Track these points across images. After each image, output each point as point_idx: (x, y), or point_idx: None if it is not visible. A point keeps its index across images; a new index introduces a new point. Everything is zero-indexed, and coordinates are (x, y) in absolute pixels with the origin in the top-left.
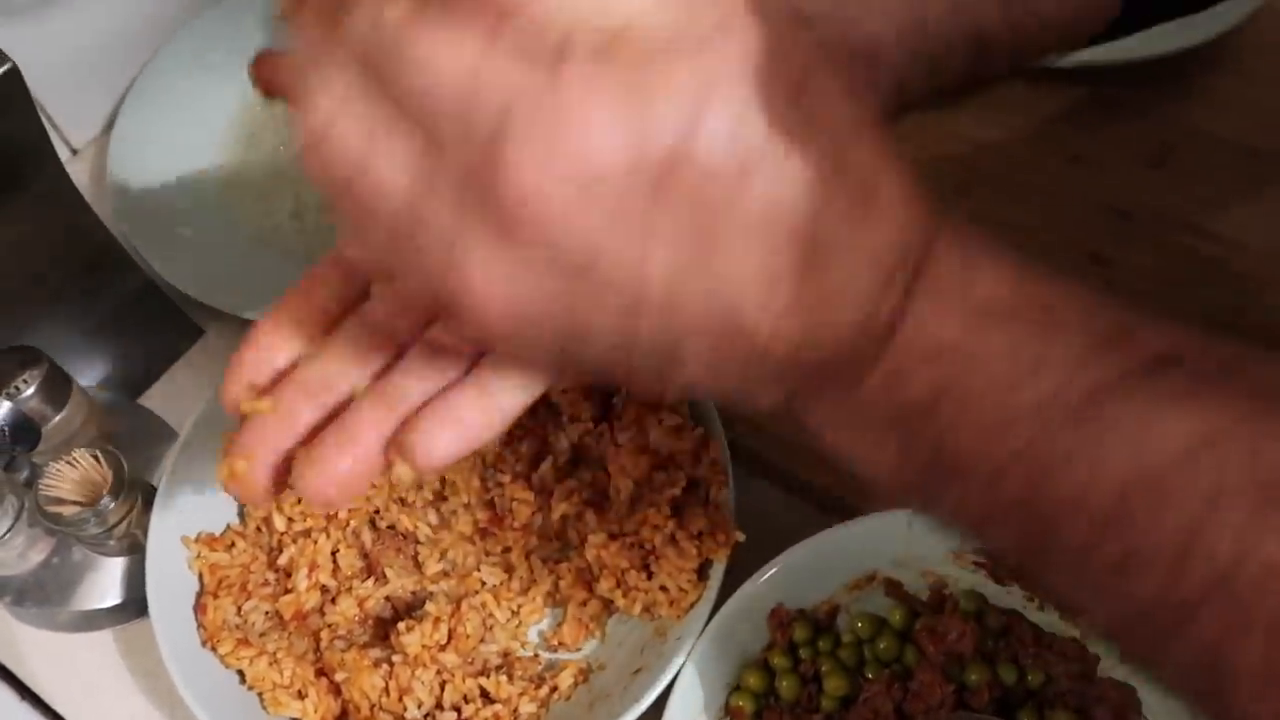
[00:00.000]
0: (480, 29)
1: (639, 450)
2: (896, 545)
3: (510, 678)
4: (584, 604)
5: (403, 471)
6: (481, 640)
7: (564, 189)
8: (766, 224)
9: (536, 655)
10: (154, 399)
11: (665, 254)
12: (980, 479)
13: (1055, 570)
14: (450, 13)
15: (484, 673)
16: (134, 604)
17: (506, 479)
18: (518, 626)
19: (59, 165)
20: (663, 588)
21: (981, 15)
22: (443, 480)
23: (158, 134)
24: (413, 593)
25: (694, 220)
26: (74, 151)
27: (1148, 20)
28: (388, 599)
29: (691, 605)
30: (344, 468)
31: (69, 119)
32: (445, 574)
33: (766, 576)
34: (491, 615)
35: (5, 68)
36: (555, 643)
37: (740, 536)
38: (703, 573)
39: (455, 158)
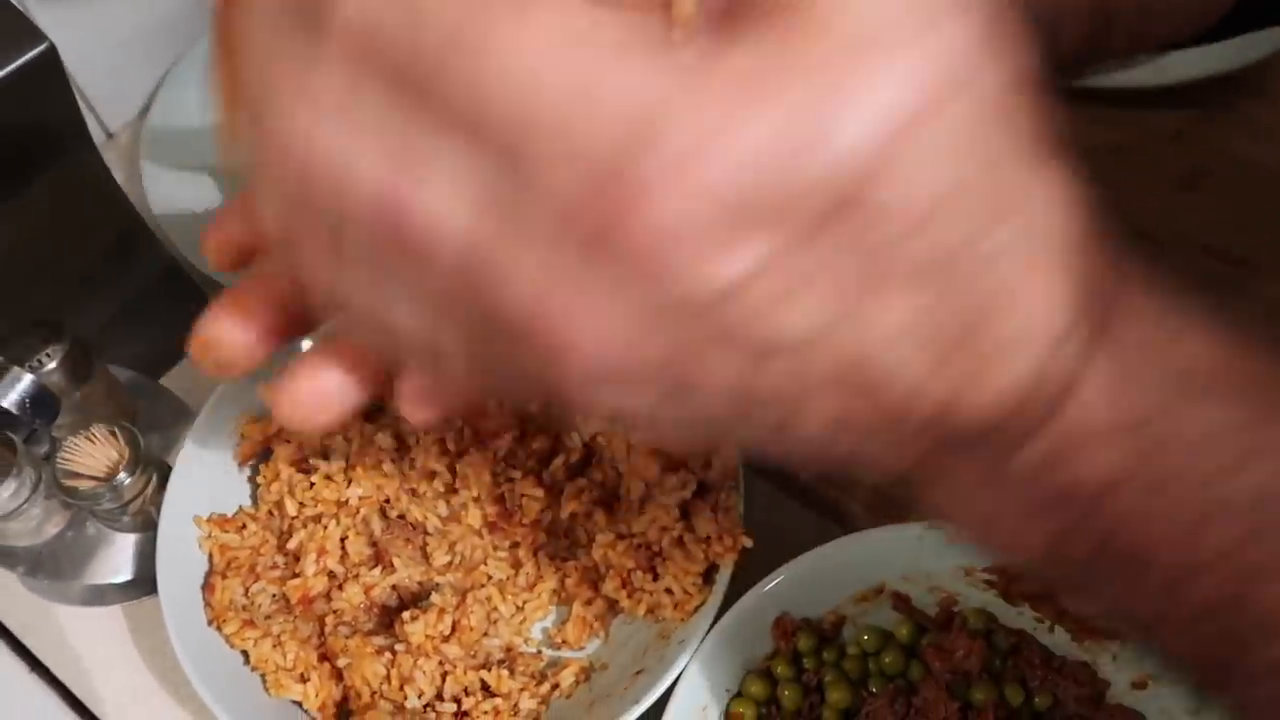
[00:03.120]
0: (588, 17)
1: (651, 451)
2: (906, 559)
3: (512, 672)
4: (589, 603)
5: None
6: (485, 634)
7: (714, 221)
8: (935, 271)
9: (540, 652)
10: (175, 379)
11: (813, 299)
12: (1163, 578)
13: (1241, 686)
14: None
15: (486, 666)
16: (144, 581)
17: (518, 475)
18: (522, 622)
19: (92, 146)
20: (668, 590)
21: None
22: (454, 473)
23: (191, 121)
24: (419, 583)
25: (856, 262)
26: (110, 135)
27: (1257, 21)
28: (394, 588)
29: (696, 609)
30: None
31: (106, 102)
32: (452, 566)
33: (772, 584)
34: (496, 610)
35: (42, 47)
36: (559, 640)
37: (748, 542)
38: (709, 577)
39: (553, 183)
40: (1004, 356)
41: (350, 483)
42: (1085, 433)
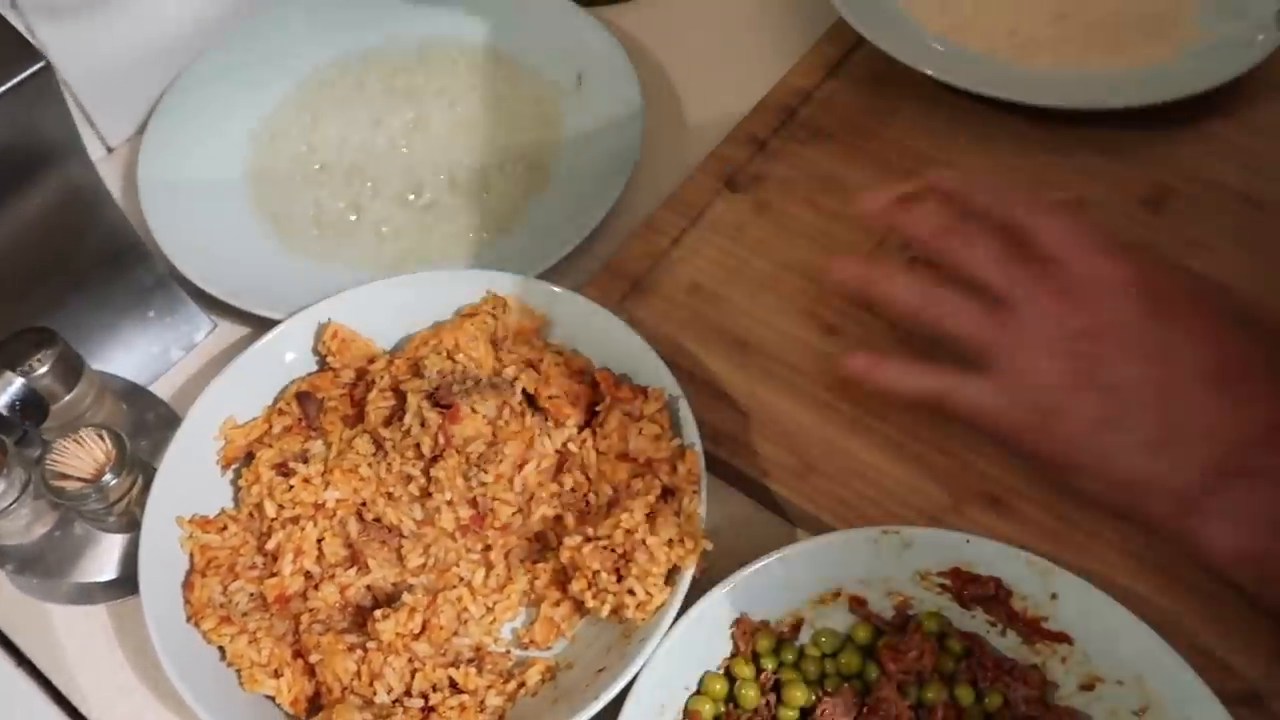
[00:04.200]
0: None
1: (619, 457)
2: (863, 563)
3: (480, 670)
4: (557, 604)
5: None
6: (455, 633)
7: None
8: None
9: (508, 651)
10: (165, 386)
11: None
12: None
13: None
14: None
15: (454, 664)
16: (129, 581)
17: (490, 479)
18: (492, 622)
19: (87, 159)
20: (630, 591)
21: None
22: (428, 477)
23: (188, 136)
24: (394, 584)
25: None
26: (109, 149)
27: None
28: (369, 588)
29: (658, 609)
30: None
31: (106, 117)
32: (426, 568)
33: (732, 586)
34: (467, 610)
35: (38, 65)
36: (527, 640)
37: (708, 545)
38: (672, 579)
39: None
40: None
41: (328, 486)
42: None
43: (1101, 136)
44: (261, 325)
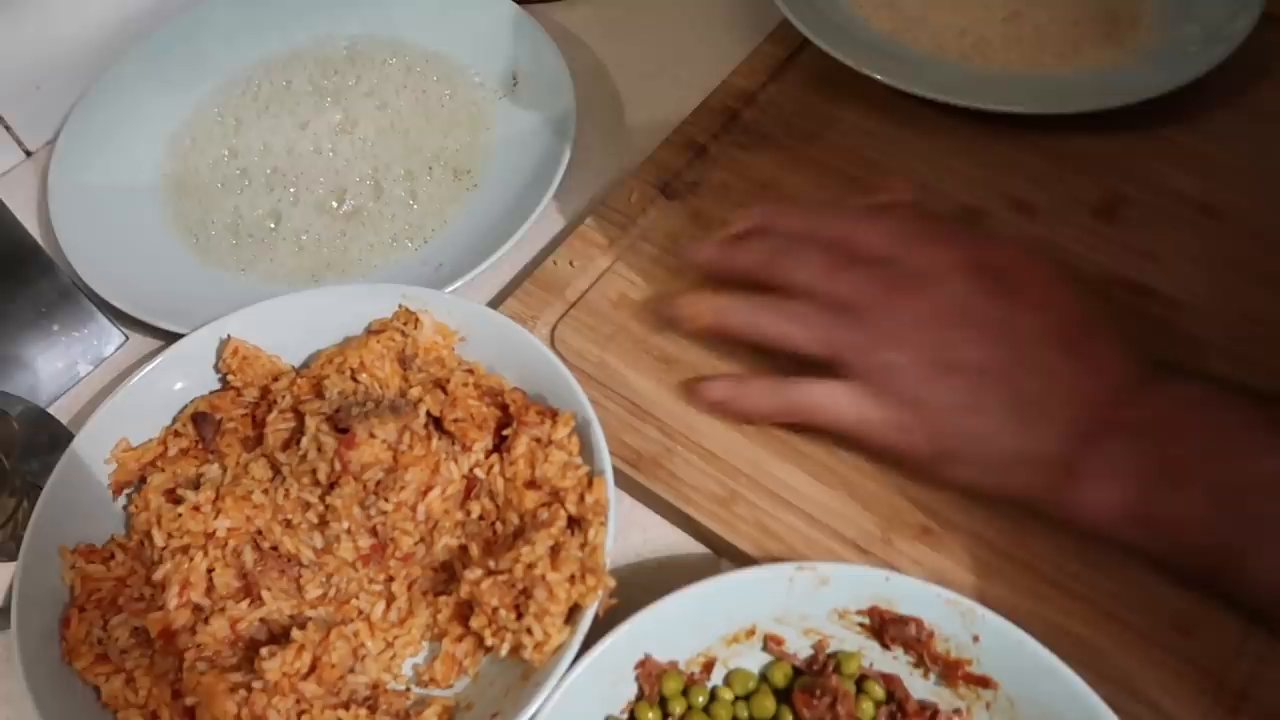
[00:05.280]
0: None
1: (527, 484)
2: (778, 601)
3: (373, 711)
4: (459, 640)
5: None
6: (351, 670)
7: None
8: None
9: (408, 690)
10: (72, 401)
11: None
12: None
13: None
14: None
15: (346, 705)
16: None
17: (390, 508)
18: (392, 658)
19: None
20: (529, 630)
21: None
22: (325, 504)
23: (103, 140)
24: (290, 616)
25: None
26: (28, 152)
27: None
28: (263, 621)
29: (556, 650)
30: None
31: (25, 120)
32: (326, 599)
33: (635, 625)
34: (364, 645)
35: None
36: (427, 678)
37: (611, 583)
38: (573, 617)
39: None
40: None
41: (219, 514)
42: None
43: (1052, 141)
44: (175, 339)
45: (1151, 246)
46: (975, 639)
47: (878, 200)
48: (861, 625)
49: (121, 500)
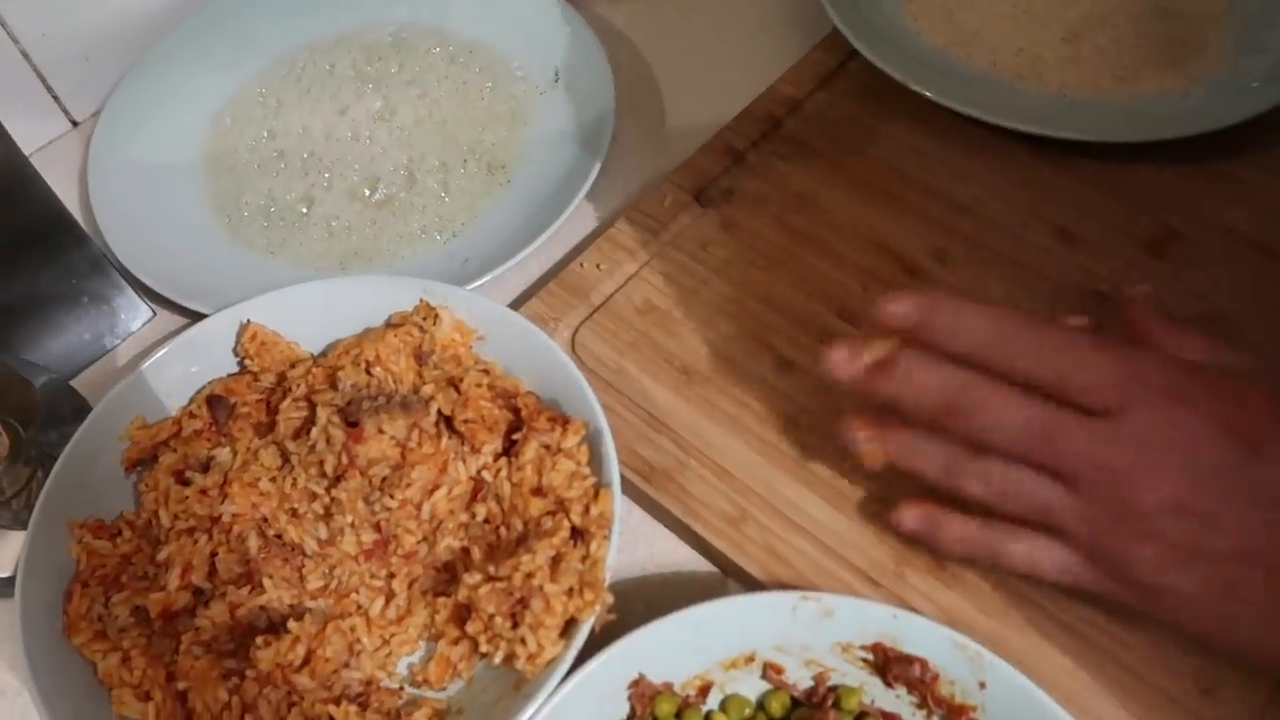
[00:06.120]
0: None
1: (533, 491)
2: (780, 630)
3: (364, 709)
4: (455, 643)
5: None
6: (346, 665)
7: None
8: None
9: (401, 689)
10: (98, 374)
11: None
12: None
13: None
14: None
15: (337, 700)
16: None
17: (394, 504)
18: (387, 656)
19: (6, 136)
20: (523, 640)
21: None
22: (331, 496)
23: (146, 115)
24: (290, 605)
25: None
26: (75, 123)
27: None
28: (263, 609)
29: (549, 662)
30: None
31: (72, 91)
32: (326, 590)
33: (631, 643)
34: (360, 641)
35: None
36: (421, 679)
37: (609, 599)
38: (569, 630)
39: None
40: None
41: (225, 499)
42: None
43: (1103, 168)
44: (201, 319)
45: (1205, 286)
46: (982, 685)
47: (1072, 321)
48: (865, 661)
49: (134, 477)
